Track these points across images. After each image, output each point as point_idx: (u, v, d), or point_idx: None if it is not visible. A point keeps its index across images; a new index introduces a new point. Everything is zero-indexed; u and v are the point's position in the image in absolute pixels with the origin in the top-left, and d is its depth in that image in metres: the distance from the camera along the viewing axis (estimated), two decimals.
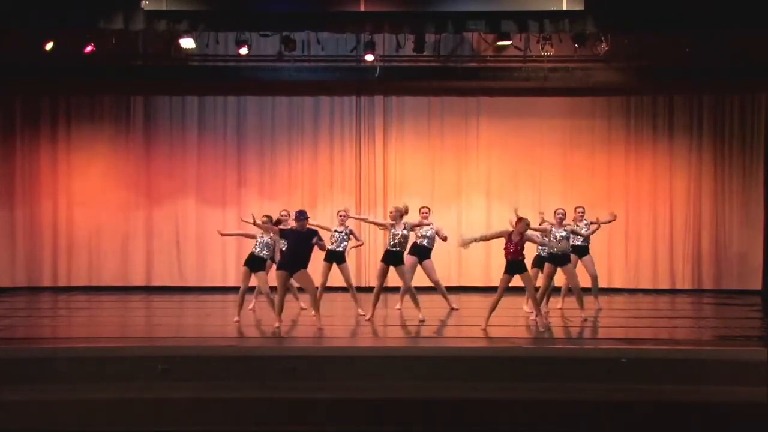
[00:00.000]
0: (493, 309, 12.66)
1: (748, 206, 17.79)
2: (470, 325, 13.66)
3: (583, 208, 14.80)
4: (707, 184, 18.00)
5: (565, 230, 13.57)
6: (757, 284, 17.23)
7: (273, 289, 13.19)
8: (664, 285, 17.89)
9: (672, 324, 14.41)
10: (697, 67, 16.19)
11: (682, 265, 18.05)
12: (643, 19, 14.07)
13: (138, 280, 17.98)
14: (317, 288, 13.34)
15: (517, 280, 12.71)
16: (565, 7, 13.73)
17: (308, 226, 12.59)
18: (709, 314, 15.73)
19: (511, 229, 12.65)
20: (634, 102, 18.06)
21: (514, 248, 12.49)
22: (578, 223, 14.49)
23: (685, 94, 17.93)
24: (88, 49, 15.30)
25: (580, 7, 13.73)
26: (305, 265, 12.56)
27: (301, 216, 12.52)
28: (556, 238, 13.42)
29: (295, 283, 13.45)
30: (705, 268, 18.02)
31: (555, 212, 13.77)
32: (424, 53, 15.72)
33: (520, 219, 12.61)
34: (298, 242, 12.44)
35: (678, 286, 17.98)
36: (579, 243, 14.41)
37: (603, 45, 15.46)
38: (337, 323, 13.66)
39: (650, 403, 10.27)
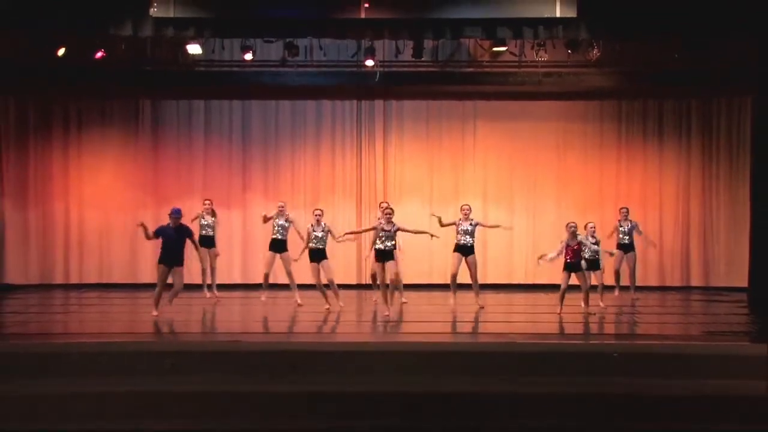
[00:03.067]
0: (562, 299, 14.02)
1: (734, 206, 17.99)
2: (468, 322, 13.95)
3: (627, 208, 16.30)
4: (695, 185, 18.23)
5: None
6: (743, 281, 17.13)
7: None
8: (654, 282, 18.10)
9: (662, 320, 14.63)
10: (686, 72, 16.53)
11: (671, 263, 18.29)
12: (634, 26, 14.48)
13: (147, 278, 17.78)
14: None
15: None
16: (558, 14, 14.14)
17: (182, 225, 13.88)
18: (697, 311, 15.91)
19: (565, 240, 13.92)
20: (625, 106, 18.30)
21: (572, 252, 13.85)
22: (622, 223, 16.01)
23: (674, 98, 18.15)
24: (99, 54, 15.68)
25: (572, 14, 14.15)
26: (181, 262, 13.65)
27: (175, 214, 13.61)
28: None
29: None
30: (693, 266, 18.26)
31: (585, 226, 14.93)
32: (423, 59, 16.12)
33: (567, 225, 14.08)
34: (172, 238, 13.56)
35: (667, 284, 18.21)
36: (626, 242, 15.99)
37: (595, 51, 15.75)
38: (338, 319, 13.87)
39: (641, 396, 10.34)
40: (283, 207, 15.24)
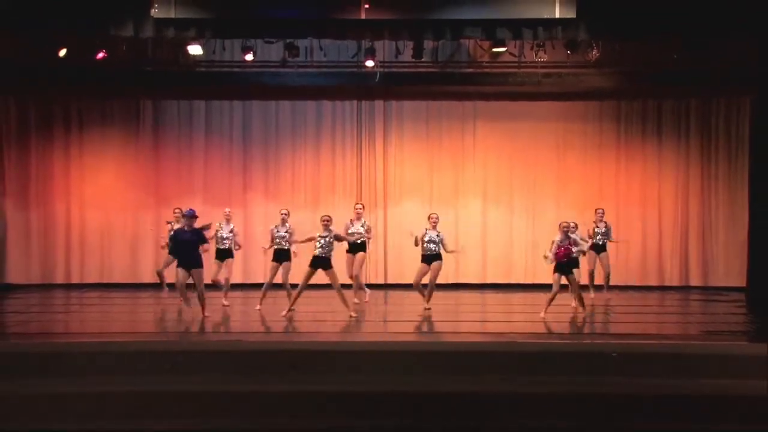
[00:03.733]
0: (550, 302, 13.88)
1: (733, 206, 18.03)
2: (467, 321, 14.03)
3: (603, 210, 16.13)
4: (694, 185, 18.26)
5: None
6: (741, 281, 17.43)
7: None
8: (653, 282, 18.17)
9: (661, 320, 14.72)
10: (685, 73, 16.53)
11: (670, 262, 18.33)
12: (633, 26, 14.48)
13: (147, 278, 18.08)
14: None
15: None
16: (557, 15, 14.18)
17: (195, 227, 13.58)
18: (696, 310, 15.97)
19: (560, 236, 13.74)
20: (624, 106, 18.33)
21: (563, 252, 13.68)
22: (598, 224, 15.83)
23: (673, 98, 18.19)
24: (100, 55, 15.72)
25: (572, 15, 14.18)
26: (200, 264, 13.40)
27: (189, 215, 13.43)
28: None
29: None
30: (692, 266, 18.29)
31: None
32: (423, 59, 16.13)
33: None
34: (186, 240, 13.38)
35: (666, 283, 18.25)
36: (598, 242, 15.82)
37: (594, 51, 15.83)
38: (338, 319, 13.86)
39: (641, 396, 10.42)
40: (229, 215, 15.34)
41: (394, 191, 18.50)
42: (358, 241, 14.93)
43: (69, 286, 18.18)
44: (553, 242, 13.89)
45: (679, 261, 18.35)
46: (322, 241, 13.60)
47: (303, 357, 11.19)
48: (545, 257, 14.00)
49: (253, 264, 18.04)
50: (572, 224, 14.70)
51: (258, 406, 10.34)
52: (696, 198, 18.31)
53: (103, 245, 18.42)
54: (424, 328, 13.34)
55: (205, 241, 13.77)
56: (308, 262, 13.65)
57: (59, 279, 18.38)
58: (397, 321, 13.94)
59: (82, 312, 15.66)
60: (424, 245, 14.36)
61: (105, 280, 18.31)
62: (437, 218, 14.58)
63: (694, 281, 18.30)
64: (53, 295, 17.36)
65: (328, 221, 13.75)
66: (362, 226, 15.02)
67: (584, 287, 15.51)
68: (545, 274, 16.94)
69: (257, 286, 15.56)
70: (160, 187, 18.43)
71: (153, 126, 18.54)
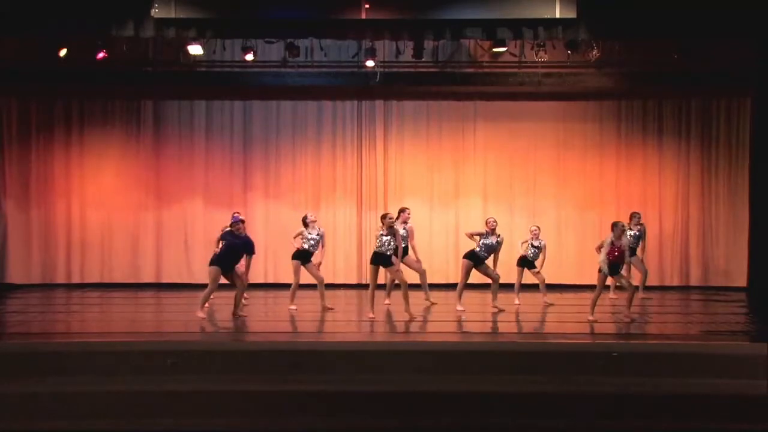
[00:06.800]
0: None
1: (734, 207, 18.01)
2: (468, 321, 13.88)
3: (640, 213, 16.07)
4: (695, 186, 18.23)
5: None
6: (742, 281, 17.47)
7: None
8: (654, 282, 17.91)
9: (661, 320, 14.67)
10: (685, 73, 16.62)
11: (671, 263, 18.30)
12: (633, 27, 14.47)
13: (148, 277, 18.23)
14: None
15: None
16: (558, 15, 14.16)
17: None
18: (696, 310, 15.93)
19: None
20: (624, 106, 18.29)
21: (618, 251, 13.31)
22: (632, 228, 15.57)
23: (673, 98, 18.18)
24: (101, 55, 15.75)
25: (572, 15, 14.16)
26: (233, 268, 13.65)
27: (240, 223, 13.60)
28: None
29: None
30: (692, 266, 18.25)
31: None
32: (423, 59, 16.17)
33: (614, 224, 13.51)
34: (237, 246, 13.54)
35: (667, 283, 18.21)
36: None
37: (595, 51, 15.89)
38: (338, 319, 13.93)
39: (641, 395, 10.46)
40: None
41: (395, 191, 18.47)
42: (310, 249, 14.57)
43: (69, 286, 18.18)
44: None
45: (680, 261, 18.32)
46: (383, 239, 13.57)
47: (303, 357, 11.20)
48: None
49: (253, 264, 18.00)
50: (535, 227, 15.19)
51: (258, 406, 10.37)
52: (696, 198, 18.28)
53: (104, 245, 18.41)
54: (425, 328, 13.35)
55: (252, 252, 13.77)
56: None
57: (60, 279, 18.39)
58: (397, 321, 13.91)
59: (83, 312, 15.65)
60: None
61: (105, 280, 18.31)
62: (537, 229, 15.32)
63: (695, 281, 18.26)
64: (54, 295, 17.34)
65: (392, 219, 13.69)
66: (318, 234, 14.57)
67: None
68: (546, 274, 17.07)
69: (257, 287, 15.56)
70: (160, 187, 18.45)
71: (153, 126, 18.52)
